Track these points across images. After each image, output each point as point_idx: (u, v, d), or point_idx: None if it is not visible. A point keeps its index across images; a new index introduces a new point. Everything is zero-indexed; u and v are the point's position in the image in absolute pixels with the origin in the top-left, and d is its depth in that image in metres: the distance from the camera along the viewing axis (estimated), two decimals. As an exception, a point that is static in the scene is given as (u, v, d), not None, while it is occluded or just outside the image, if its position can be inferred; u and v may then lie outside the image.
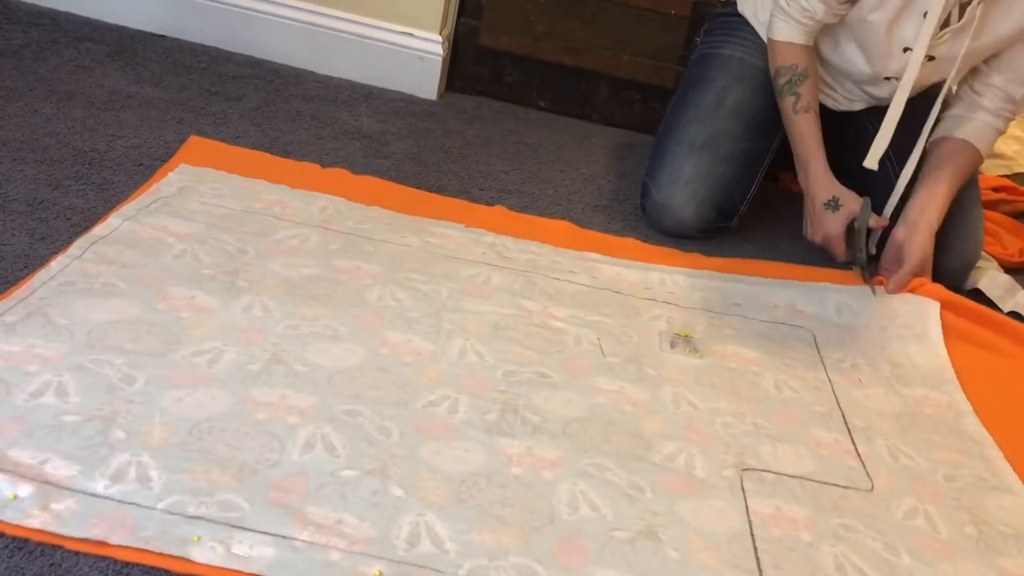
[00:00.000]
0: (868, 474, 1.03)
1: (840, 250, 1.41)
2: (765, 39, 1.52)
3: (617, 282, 1.32)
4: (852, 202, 1.39)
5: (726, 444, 1.02)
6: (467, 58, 1.98)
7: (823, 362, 1.24)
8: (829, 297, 1.37)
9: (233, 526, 0.77)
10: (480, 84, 2.00)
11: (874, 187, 1.45)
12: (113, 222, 1.17)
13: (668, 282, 1.35)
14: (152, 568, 0.73)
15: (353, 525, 0.80)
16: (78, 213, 1.20)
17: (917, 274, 1.35)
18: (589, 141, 1.89)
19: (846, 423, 1.11)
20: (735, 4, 1.61)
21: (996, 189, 1.88)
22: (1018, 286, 1.54)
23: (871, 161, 1.40)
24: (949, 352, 1.29)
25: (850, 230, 1.40)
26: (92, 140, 1.40)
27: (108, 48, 1.75)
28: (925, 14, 1.31)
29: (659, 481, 0.94)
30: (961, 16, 1.31)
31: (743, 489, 0.96)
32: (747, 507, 0.93)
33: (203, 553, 0.75)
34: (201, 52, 1.83)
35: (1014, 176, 1.98)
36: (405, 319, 1.12)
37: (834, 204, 1.40)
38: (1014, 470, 1.08)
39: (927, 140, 1.42)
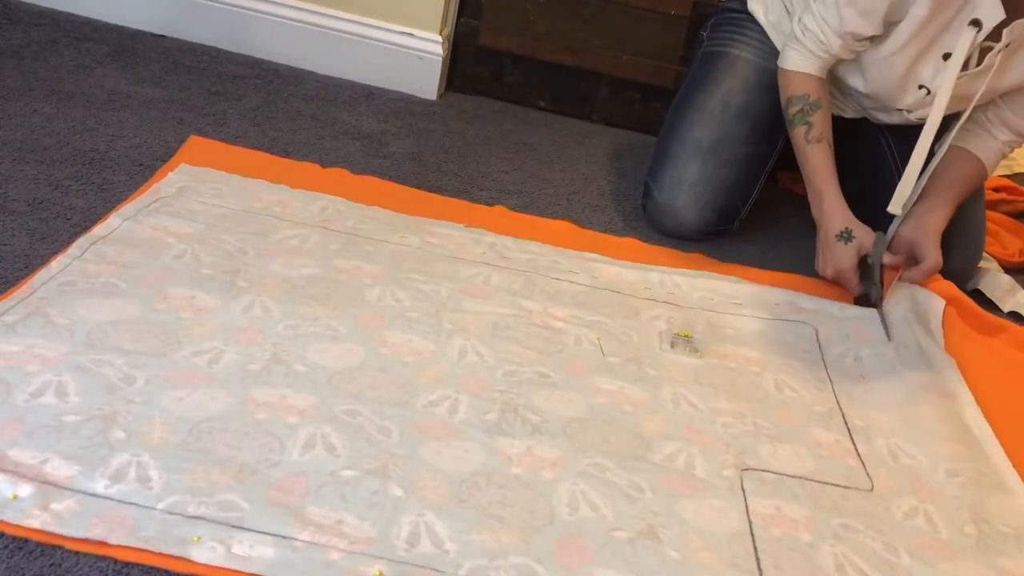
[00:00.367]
0: (868, 474, 1.03)
1: (853, 284, 1.37)
2: (773, 39, 1.51)
3: (617, 282, 1.32)
4: (866, 235, 1.35)
5: (726, 444, 1.02)
6: (467, 58, 1.98)
7: (824, 359, 1.24)
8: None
9: (233, 526, 0.77)
10: (480, 84, 2.00)
11: (877, 186, 1.45)
12: (113, 222, 1.17)
13: (668, 282, 1.35)
14: (152, 568, 0.73)
15: (353, 525, 0.80)
16: (78, 213, 1.20)
17: (932, 272, 1.35)
18: (589, 141, 1.89)
19: (846, 423, 1.11)
20: (744, 0, 1.60)
21: (996, 189, 1.88)
22: (1018, 286, 1.54)
23: (895, 206, 1.36)
24: (950, 350, 1.29)
25: (863, 264, 1.36)
26: (92, 140, 1.40)
27: (108, 48, 1.75)
28: (944, 55, 1.29)
29: (659, 481, 0.94)
30: (980, 61, 1.29)
31: (743, 489, 0.96)
32: (747, 507, 0.93)
33: (203, 553, 0.75)
34: (201, 52, 1.83)
35: (1014, 176, 1.98)
36: (405, 319, 1.12)
37: (847, 235, 1.36)
38: (1014, 468, 1.08)
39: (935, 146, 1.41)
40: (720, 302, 1.33)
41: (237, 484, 0.82)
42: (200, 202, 1.27)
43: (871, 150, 1.54)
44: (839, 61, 1.41)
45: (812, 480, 1.00)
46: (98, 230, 1.15)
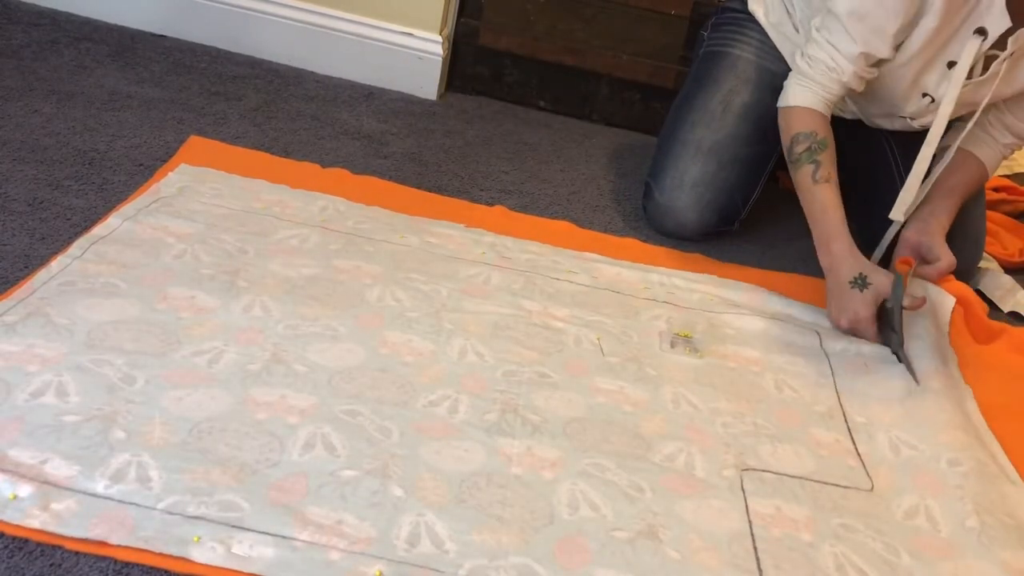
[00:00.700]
0: (868, 474, 1.03)
1: (871, 333, 1.26)
2: (774, 39, 1.51)
3: (617, 282, 1.32)
4: (883, 279, 1.24)
5: (726, 444, 1.02)
6: (467, 58, 1.98)
7: (826, 353, 1.24)
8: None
9: (233, 526, 0.77)
10: (480, 84, 2.01)
11: (878, 188, 1.44)
12: (113, 222, 1.17)
13: (668, 282, 1.35)
14: (152, 568, 0.73)
15: (353, 525, 0.80)
16: (78, 213, 1.20)
17: (948, 271, 1.35)
18: (589, 141, 1.89)
19: (846, 422, 1.11)
20: (744, 0, 1.60)
21: (996, 189, 1.88)
22: (1018, 286, 1.54)
23: (897, 213, 1.35)
24: (952, 348, 1.29)
25: (881, 310, 1.26)
26: (92, 140, 1.40)
27: (108, 48, 1.75)
28: (948, 64, 1.29)
29: (659, 481, 0.94)
30: (985, 69, 1.29)
31: (743, 489, 0.96)
32: (747, 507, 0.93)
33: (203, 553, 0.75)
34: (201, 52, 1.83)
35: (1014, 176, 1.98)
36: (405, 319, 1.12)
37: (862, 282, 1.25)
38: (1011, 463, 1.08)
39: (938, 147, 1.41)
40: (720, 303, 1.32)
41: (237, 484, 0.82)
42: (200, 202, 1.27)
43: (871, 149, 1.54)
44: None
45: (812, 480, 0.99)
46: (98, 230, 1.15)
